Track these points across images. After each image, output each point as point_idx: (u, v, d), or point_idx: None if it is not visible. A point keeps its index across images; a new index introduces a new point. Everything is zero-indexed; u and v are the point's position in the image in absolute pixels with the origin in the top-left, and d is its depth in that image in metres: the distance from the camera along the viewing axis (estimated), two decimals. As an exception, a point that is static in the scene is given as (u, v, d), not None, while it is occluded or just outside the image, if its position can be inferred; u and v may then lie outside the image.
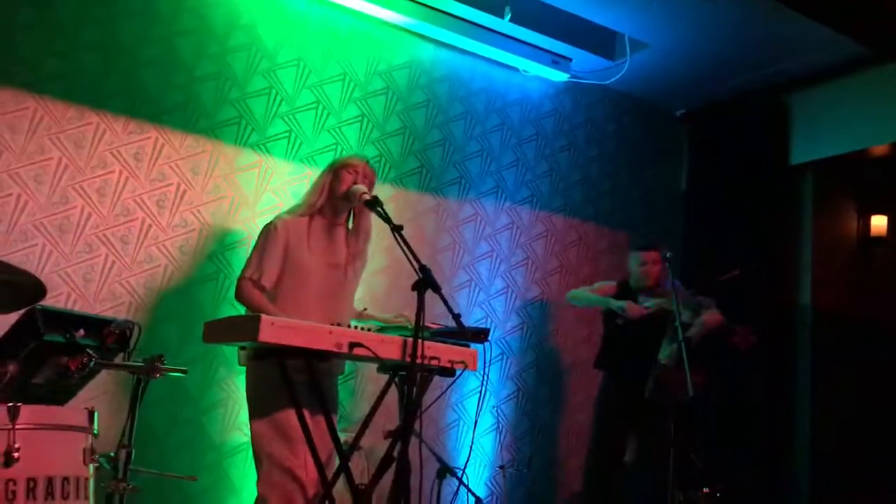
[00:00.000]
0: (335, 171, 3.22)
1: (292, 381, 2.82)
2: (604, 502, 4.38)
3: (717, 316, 4.29)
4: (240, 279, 3.11)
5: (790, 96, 5.46)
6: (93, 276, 3.68)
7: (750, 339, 4.23)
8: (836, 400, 5.27)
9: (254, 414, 3.03)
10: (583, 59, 5.06)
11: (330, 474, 2.93)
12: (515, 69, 5.11)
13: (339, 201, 3.20)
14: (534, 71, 5.10)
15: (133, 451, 2.73)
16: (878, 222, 5.76)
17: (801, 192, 5.51)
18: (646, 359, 4.22)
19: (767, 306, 5.17)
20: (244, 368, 3.15)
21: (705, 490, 3.84)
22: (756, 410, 5.07)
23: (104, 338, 2.71)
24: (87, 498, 2.30)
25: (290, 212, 3.24)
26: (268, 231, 3.15)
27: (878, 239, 5.76)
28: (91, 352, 2.54)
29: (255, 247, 3.16)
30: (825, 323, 5.32)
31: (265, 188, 4.15)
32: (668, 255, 4.14)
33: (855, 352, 5.40)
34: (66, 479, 2.21)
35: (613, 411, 4.40)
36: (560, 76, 5.14)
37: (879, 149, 5.14)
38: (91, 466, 2.35)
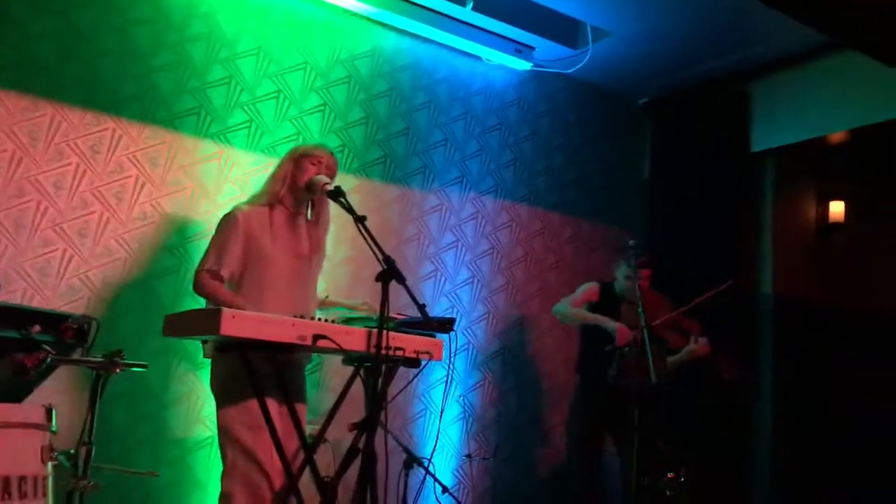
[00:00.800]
0: (296, 160, 3.17)
1: (256, 373, 2.78)
2: (590, 493, 4.40)
3: (707, 348, 4.30)
4: (198, 271, 3.02)
5: (751, 84, 5.51)
6: (50, 270, 3.61)
7: (735, 372, 4.26)
8: (797, 384, 5.35)
9: (220, 405, 2.97)
10: (546, 48, 5.06)
11: (296, 466, 2.91)
12: (478, 58, 5.09)
13: (300, 192, 3.16)
14: (497, 60, 5.09)
15: (93, 448, 2.69)
16: (837, 209, 5.85)
17: (762, 179, 5.57)
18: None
19: (729, 293, 5.21)
20: (208, 361, 3.10)
21: (670, 475, 3.87)
22: (719, 395, 5.12)
23: (61, 333, 2.66)
24: (45, 496, 2.25)
25: (249, 202, 3.17)
26: (227, 221, 3.07)
27: (837, 225, 5.85)
28: (48, 348, 2.49)
29: (213, 237, 3.08)
30: (786, 308, 5.40)
31: (226, 179, 4.09)
32: (631, 243, 4.17)
33: (815, 336, 5.49)
34: (23, 478, 2.17)
35: (591, 416, 4.41)
36: (523, 65, 5.14)
37: (838, 136, 5.21)
38: (49, 464, 2.31)
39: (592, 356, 4.41)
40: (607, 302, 4.42)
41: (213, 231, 3.12)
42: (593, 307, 4.43)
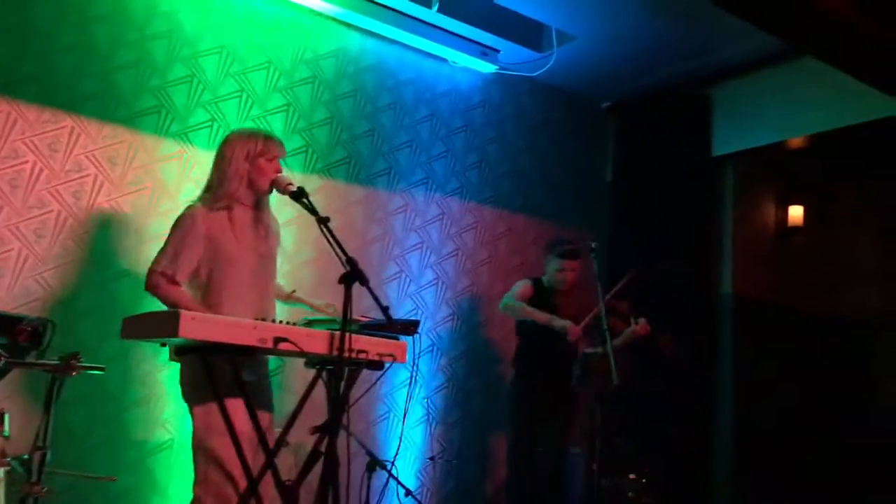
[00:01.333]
0: (252, 160, 3.04)
1: (219, 377, 2.75)
2: (528, 488, 4.42)
3: (647, 327, 4.35)
4: (152, 270, 2.90)
5: (712, 89, 5.58)
6: (4, 271, 3.53)
7: (673, 346, 4.33)
8: (757, 384, 5.42)
9: (192, 408, 2.92)
10: (511, 51, 5.08)
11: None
12: (444, 60, 5.09)
13: (262, 192, 3.11)
14: (462, 62, 5.10)
15: (48, 453, 2.63)
16: (796, 212, 5.95)
17: (723, 182, 5.64)
18: (556, 353, 4.28)
19: (690, 294, 5.28)
20: (168, 363, 3.06)
21: (631, 476, 3.90)
22: (680, 396, 5.18)
23: (16, 335, 2.61)
24: (-3, 503, 2.20)
25: (205, 202, 3.02)
26: (186, 223, 2.96)
27: (796, 228, 5.95)
28: (1, 350, 2.43)
29: (170, 237, 2.97)
30: (746, 310, 5.47)
31: (187, 178, 4.04)
32: (593, 245, 4.20)
33: (774, 337, 5.57)
34: (-27, 484, 2.11)
35: (530, 406, 4.44)
36: (488, 67, 5.14)
37: (797, 140, 5.29)
38: (2, 470, 2.25)
39: (529, 350, 4.51)
40: (541, 296, 4.50)
41: (170, 228, 3.03)
42: (530, 303, 4.49)
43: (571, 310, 4.36)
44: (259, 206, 3.14)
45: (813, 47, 4.24)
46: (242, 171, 3.05)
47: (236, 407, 2.80)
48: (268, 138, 3.11)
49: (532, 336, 4.48)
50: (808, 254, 6.06)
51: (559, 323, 4.30)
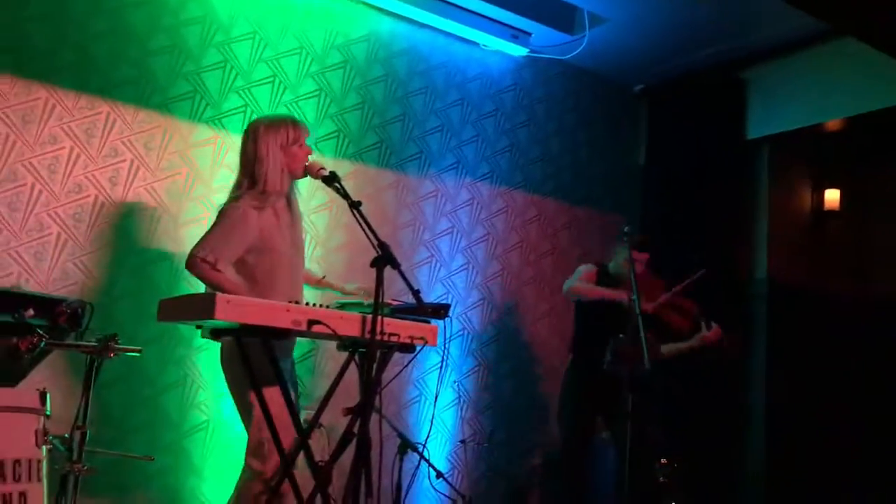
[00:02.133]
0: (286, 149, 3.07)
1: (250, 362, 2.81)
2: (578, 479, 4.40)
3: (719, 333, 4.30)
4: (193, 255, 2.92)
5: (747, 71, 5.51)
6: (44, 255, 3.60)
7: (738, 348, 4.27)
8: (791, 370, 5.37)
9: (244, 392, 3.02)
10: (542, 34, 5.04)
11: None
12: (475, 44, 5.08)
13: (297, 177, 3.14)
14: (493, 45, 5.08)
15: (88, 432, 2.69)
16: (832, 196, 5.86)
17: (758, 166, 5.57)
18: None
19: (724, 278, 5.24)
20: (205, 345, 3.12)
21: (663, 461, 3.89)
22: (712, 382, 5.14)
23: (56, 317, 2.66)
24: (40, 480, 2.26)
25: (252, 197, 3.03)
26: (234, 216, 2.98)
27: (832, 212, 5.86)
28: (41, 332, 2.48)
29: (219, 226, 2.99)
30: (780, 295, 5.41)
31: (221, 164, 4.08)
32: (626, 229, 4.16)
33: (809, 322, 5.51)
34: (17, 461, 2.18)
35: (583, 394, 4.39)
36: (520, 51, 5.12)
37: (833, 123, 5.21)
38: (44, 448, 2.31)
39: (586, 337, 4.42)
40: (604, 283, 4.40)
41: (210, 216, 3.07)
42: None
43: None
44: (291, 193, 3.19)
45: (851, 27, 4.16)
46: (281, 163, 3.08)
47: (273, 394, 2.86)
48: (295, 123, 3.14)
49: (589, 324, 4.41)
50: (843, 238, 5.97)
51: (624, 299, 4.18)
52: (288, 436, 2.92)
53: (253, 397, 2.94)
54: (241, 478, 3.05)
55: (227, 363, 3.08)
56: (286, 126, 3.11)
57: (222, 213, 3.03)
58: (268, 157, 3.07)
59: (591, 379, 4.33)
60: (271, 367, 2.83)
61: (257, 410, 2.94)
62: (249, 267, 3.04)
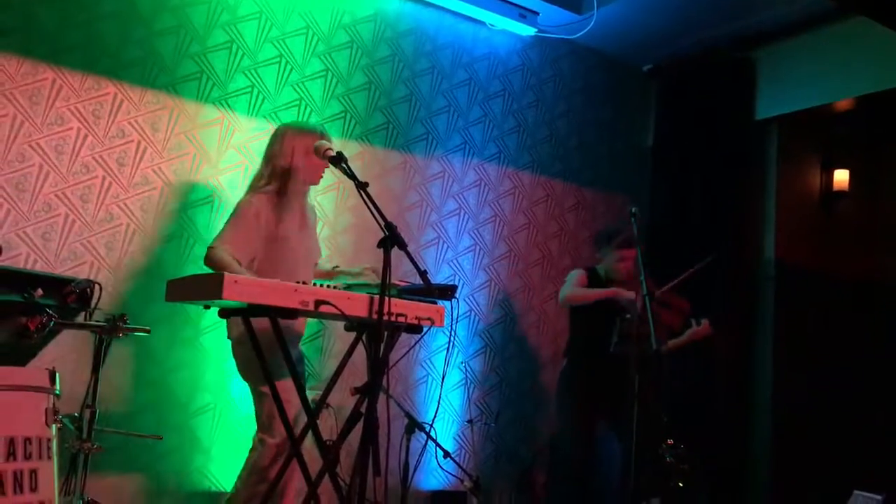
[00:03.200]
0: (310, 156, 3.20)
1: (259, 344, 2.86)
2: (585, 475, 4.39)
3: (709, 328, 4.28)
4: (212, 247, 3.08)
5: (756, 51, 5.46)
6: (52, 235, 3.61)
7: (729, 346, 4.26)
8: (797, 352, 5.37)
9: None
10: (550, 13, 5.01)
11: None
12: (482, 23, 5.04)
13: (314, 185, 3.41)
14: (501, 25, 5.04)
15: (97, 411, 2.71)
16: (841, 177, 5.82)
17: (767, 146, 5.54)
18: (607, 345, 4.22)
19: (732, 259, 5.22)
20: (212, 325, 3.17)
21: (669, 441, 3.89)
22: (719, 364, 5.14)
23: (64, 297, 2.67)
24: (50, 458, 2.27)
25: (267, 193, 3.23)
26: (248, 212, 3.16)
27: (841, 193, 5.83)
28: (50, 311, 2.49)
29: (232, 223, 3.17)
30: (789, 276, 5.40)
31: (228, 144, 4.08)
32: (633, 210, 4.14)
33: (817, 305, 5.50)
34: (28, 439, 2.19)
35: (581, 398, 4.37)
36: (527, 30, 5.09)
37: (843, 103, 5.17)
38: (54, 427, 2.32)
39: (582, 341, 4.42)
40: (595, 286, 4.39)
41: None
42: None
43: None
44: (307, 197, 3.39)
45: (859, 5, 4.12)
46: (303, 168, 3.27)
47: (285, 384, 2.98)
48: (323, 134, 3.29)
49: (585, 330, 4.39)
50: (852, 219, 5.94)
51: (623, 295, 4.19)
52: (291, 409, 3.01)
53: (261, 377, 3.00)
54: (251, 451, 3.13)
55: (237, 345, 3.15)
56: (315, 135, 3.26)
57: (235, 209, 3.21)
58: (293, 159, 3.25)
59: (587, 379, 4.33)
60: (279, 350, 2.86)
61: (266, 389, 2.99)
62: (258, 262, 3.17)
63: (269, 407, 3.08)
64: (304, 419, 3.02)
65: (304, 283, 2.73)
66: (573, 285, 4.41)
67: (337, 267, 3.62)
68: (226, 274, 2.51)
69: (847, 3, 4.20)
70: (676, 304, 4.31)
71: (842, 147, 5.89)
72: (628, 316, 4.06)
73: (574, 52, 5.49)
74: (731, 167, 5.38)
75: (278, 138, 3.32)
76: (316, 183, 3.40)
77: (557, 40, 5.27)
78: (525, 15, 4.96)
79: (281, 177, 3.25)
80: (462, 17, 4.95)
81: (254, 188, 3.29)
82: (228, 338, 3.24)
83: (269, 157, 3.31)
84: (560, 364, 4.61)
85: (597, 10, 4.93)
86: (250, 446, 3.23)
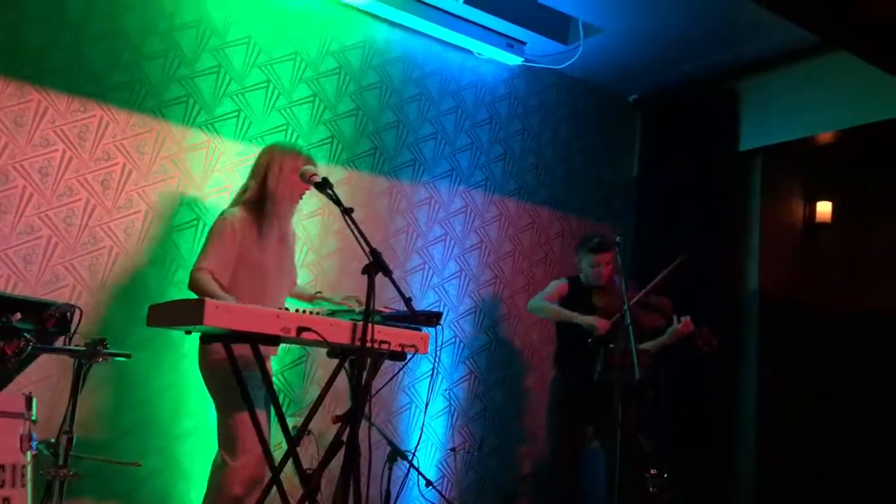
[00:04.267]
0: (297, 178, 3.20)
1: (239, 369, 2.85)
2: (569, 491, 4.38)
3: (689, 325, 4.29)
4: (197, 269, 3.09)
5: (740, 83, 5.52)
6: (34, 257, 3.58)
7: (713, 341, 4.26)
8: (781, 381, 5.38)
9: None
10: (537, 43, 5.06)
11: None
12: (469, 52, 5.08)
13: (295, 204, 3.40)
14: (488, 54, 5.08)
15: (75, 438, 2.67)
16: (824, 208, 5.87)
17: (750, 177, 5.58)
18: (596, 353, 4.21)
19: (715, 290, 5.24)
20: (192, 350, 3.16)
21: (653, 471, 3.88)
22: (703, 393, 5.14)
23: (43, 321, 2.64)
24: (24, 485, 2.24)
25: (246, 210, 3.25)
26: (224, 229, 3.17)
27: (823, 224, 5.88)
28: (28, 336, 2.46)
29: (210, 241, 3.18)
30: (772, 307, 5.42)
31: (213, 169, 4.07)
32: (617, 239, 4.16)
33: (800, 335, 5.52)
34: (1, 466, 2.15)
35: (570, 409, 4.38)
36: (514, 60, 5.13)
37: (826, 136, 5.23)
38: (28, 453, 2.29)
39: (569, 349, 4.42)
40: (578, 294, 4.40)
41: (202, 222, 3.16)
42: (565, 302, 4.41)
43: (613, 307, 4.20)
44: (287, 216, 3.39)
45: (842, 41, 4.18)
46: (289, 188, 3.29)
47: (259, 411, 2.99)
48: (308, 158, 3.33)
49: (571, 335, 4.39)
50: (835, 250, 5.99)
51: (586, 320, 4.22)
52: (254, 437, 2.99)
53: (227, 398, 3.03)
54: (213, 471, 3.12)
55: (204, 364, 3.16)
56: (301, 158, 3.29)
57: (214, 226, 3.22)
58: (279, 178, 3.27)
59: (577, 390, 4.32)
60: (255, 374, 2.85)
61: (230, 409, 3.05)
62: (231, 281, 3.16)
63: (232, 429, 3.07)
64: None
65: (283, 308, 2.73)
66: (547, 296, 4.44)
67: (319, 293, 3.63)
68: (207, 300, 2.50)
69: (830, 38, 4.26)
70: (657, 304, 4.32)
71: (825, 179, 5.95)
72: (612, 346, 4.06)
73: (560, 82, 5.54)
74: (715, 197, 5.42)
75: (266, 155, 3.35)
76: (295, 202, 3.38)
77: (544, 70, 5.31)
78: (512, 45, 5.00)
79: (264, 193, 3.27)
80: (450, 46, 4.99)
81: (236, 201, 3.33)
82: (203, 360, 3.21)
83: (255, 172, 3.35)
84: (546, 388, 4.61)
85: (583, 40, 4.99)
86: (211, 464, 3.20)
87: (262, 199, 3.25)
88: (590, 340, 4.16)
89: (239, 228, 3.18)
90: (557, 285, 4.49)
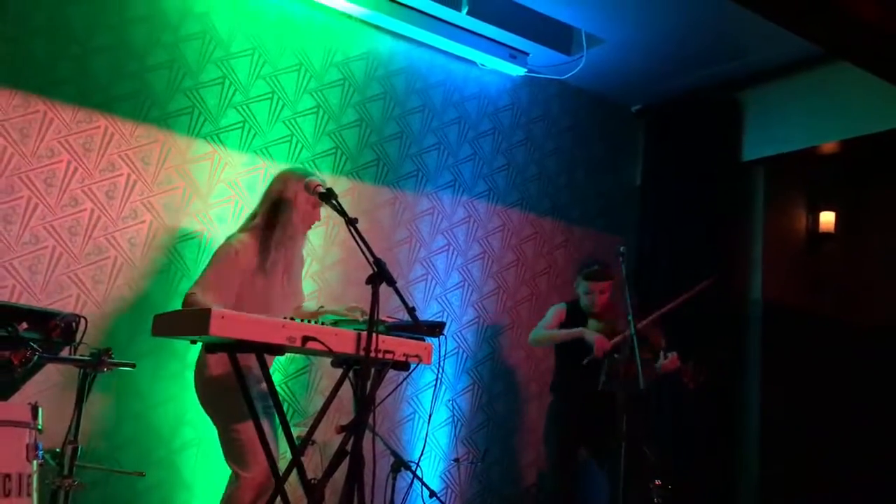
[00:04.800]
0: (309, 203, 3.23)
1: (244, 378, 2.85)
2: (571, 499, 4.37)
3: (675, 361, 4.26)
4: (193, 293, 3.01)
5: (743, 93, 5.54)
6: (39, 267, 3.59)
7: (697, 378, 4.23)
8: (785, 392, 5.37)
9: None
10: (540, 54, 5.08)
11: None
12: (473, 63, 5.10)
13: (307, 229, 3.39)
14: (491, 65, 5.10)
15: (79, 447, 2.68)
16: (827, 218, 5.87)
17: (753, 187, 5.59)
18: (593, 382, 4.19)
19: (718, 300, 5.24)
20: (195, 363, 3.16)
21: (657, 482, 3.87)
22: (706, 403, 5.13)
23: (49, 331, 2.65)
24: (30, 495, 2.24)
25: (255, 236, 3.20)
26: (229, 254, 3.13)
27: (827, 235, 5.88)
28: (34, 345, 2.47)
29: (212, 266, 3.13)
30: (774, 317, 5.41)
31: (218, 179, 4.09)
32: (621, 249, 4.16)
33: (803, 345, 5.51)
34: (7, 475, 2.16)
35: (567, 430, 4.36)
36: (517, 70, 5.15)
37: (829, 146, 5.23)
38: (34, 463, 2.29)
39: (566, 375, 4.42)
40: (576, 320, 4.40)
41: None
42: (563, 328, 4.41)
43: (608, 335, 4.20)
44: (298, 243, 3.36)
45: (843, 51, 4.19)
46: (302, 215, 3.26)
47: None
48: (322, 184, 3.24)
49: (569, 362, 4.38)
50: (838, 261, 5.98)
51: (587, 336, 4.22)
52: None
53: (230, 411, 3.03)
54: (228, 486, 3.11)
55: (202, 381, 3.14)
56: (319, 185, 3.18)
57: (217, 252, 3.18)
58: (293, 208, 3.23)
59: (572, 412, 4.31)
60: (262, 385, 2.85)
61: (234, 422, 3.05)
62: (236, 302, 3.12)
63: (239, 442, 3.06)
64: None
65: (291, 318, 2.73)
66: (546, 324, 4.45)
67: (322, 307, 3.61)
68: (213, 309, 2.50)
69: (832, 48, 4.27)
70: (653, 341, 4.30)
71: (828, 189, 5.96)
72: (617, 356, 4.06)
73: (563, 92, 5.55)
74: (717, 208, 5.42)
75: (278, 181, 3.30)
76: (306, 229, 3.35)
77: (547, 80, 5.33)
78: (515, 56, 5.02)
79: (274, 218, 3.21)
80: (453, 57, 5.01)
81: (244, 228, 3.27)
82: (201, 375, 3.19)
83: (266, 197, 3.30)
84: (547, 401, 4.60)
85: (586, 51, 5.00)
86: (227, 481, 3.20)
87: (270, 227, 3.20)
88: (585, 362, 4.15)
89: (242, 255, 3.12)
90: (556, 311, 4.49)
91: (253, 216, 3.30)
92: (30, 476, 2.26)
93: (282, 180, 3.29)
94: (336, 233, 4.40)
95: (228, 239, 3.21)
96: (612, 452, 3.92)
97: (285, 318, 2.71)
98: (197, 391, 3.19)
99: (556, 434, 4.43)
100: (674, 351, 4.25)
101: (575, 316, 4.43)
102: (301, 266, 3.47)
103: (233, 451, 3.09)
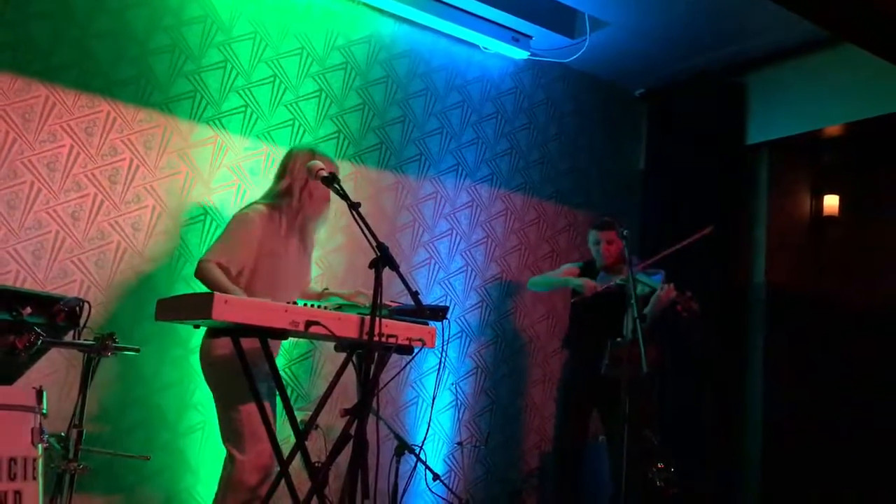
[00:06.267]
0: (320, 188, 3.22)
1: (247, 362, 2.85)
2: (571, 479, 4.39)
3: (671, 290, 4.26)
4: (206, 260, 3.08)
5: (747, 76, 5.51)
6: (43, 252, 3.60)
7: (692, 305, 4.21)
8: (788, 375, 5.37)
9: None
10: (543, 37, 5.05)
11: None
12: (476, 46, 5.08)
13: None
14: (494, 48, 5.08)
15: (84, 431, 2.69)
16: (831, 202, 5.86)
17: (757, 171, 5.57)
18: (608, 337, 4.20)
19: (722, 283, 5.24)
20: (198, 347, 3.16)
21: (660, 465, 3.88)
22: (709, 387, 5.14)
23: (53, 315, 2.66)
24: (35, 478, 2.25)
25: (273, 208, 3.24)
26: (245, 221, 3.18)
27: (831, 218, 5.86)
28: (39, 330, 2.48)
29: (228, 232, 3.18)
30: (778, 300, 5.41)
31: (220, 164, 4.08)
32: (625, 232, 4.15)
33: (807, 328, 5.51)
34: (13, 459, 2.17)
35: (577, 390, 4.40)
36: (520, 54, 5.12)
37: (833, 129, 5.21)
38: (40, 447, 2.30)
39: (580, 334, 4.45)
40: (587, 276, 4.41)
41: (210, 216, 3.16)
42: None
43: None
44: (310, 223, 3.39)
45: (849, 34, 4.17)
46: (313, 192, 3.29)
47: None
48: (330, 160, 3.32)
49: (581, 319, 4.43)
50: (842, 244, 5.97)
51: (575, 281, 4.32)
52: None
53: (231, 392, 3.05)
54: (224, 468, 3.12)
55: (207, 360, 3.15)
56: (321, 168, 3.10)
57: (232, 220, 3.23)
58: (302, 183, 3.27)
59: (587, 376, 4.32)
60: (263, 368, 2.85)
61: (235, 403, 3.06)
62: (249, 273, 3.16)
63: (238, 423, 3.07)
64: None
65: (293, 303, 2.73)
66: (552, 272, 4.60)
67: (327, 289, 3.62)
68: (216, 294, 2.50)
69: (838, 31, 4.24)
70: (681, 300, 4.26)
71: (832, 172, 5.93)
72: (619, 339, 4.05)
73: (566, 76, 5.53)
74: (721, 191, 5.41)
75: (292, 158, 3.34)
76: (317, 214, 3.36)
77: (550, 64, 5.30)
78: (518, 39, 4.99)
79: (288, 195, 3.27)
80: (456, 40, 4.98)
81: (260, 201, 3.32)
82: (206, 356, 3.21)
83: (281, 174, 3.34)
84: (550, 385, 4.63)
85: (589, 34, 4.97)
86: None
87: (285, 203, 3.25)
88: (574, 301, 4.22)
89: (259, 221, 3.17)
90: (568, 268, 4.55)
91: (269, 192, 3.34)
92: (35, 460, 2.27)
93: (293, 158, 3.33)
94: (339, 217, 4.39)
95: (244, 208, 3.26)
96: (617, 429, 3.92)
97: (288, 302, 2.72)
98: (203, 371, 3.21)
99: (568, 391, 4.47)
100: (670, 283, 4.24)
101: (588, 274, 4.44)
102: (312, 248, 3.50)
103: (230, 430, 3.11)
